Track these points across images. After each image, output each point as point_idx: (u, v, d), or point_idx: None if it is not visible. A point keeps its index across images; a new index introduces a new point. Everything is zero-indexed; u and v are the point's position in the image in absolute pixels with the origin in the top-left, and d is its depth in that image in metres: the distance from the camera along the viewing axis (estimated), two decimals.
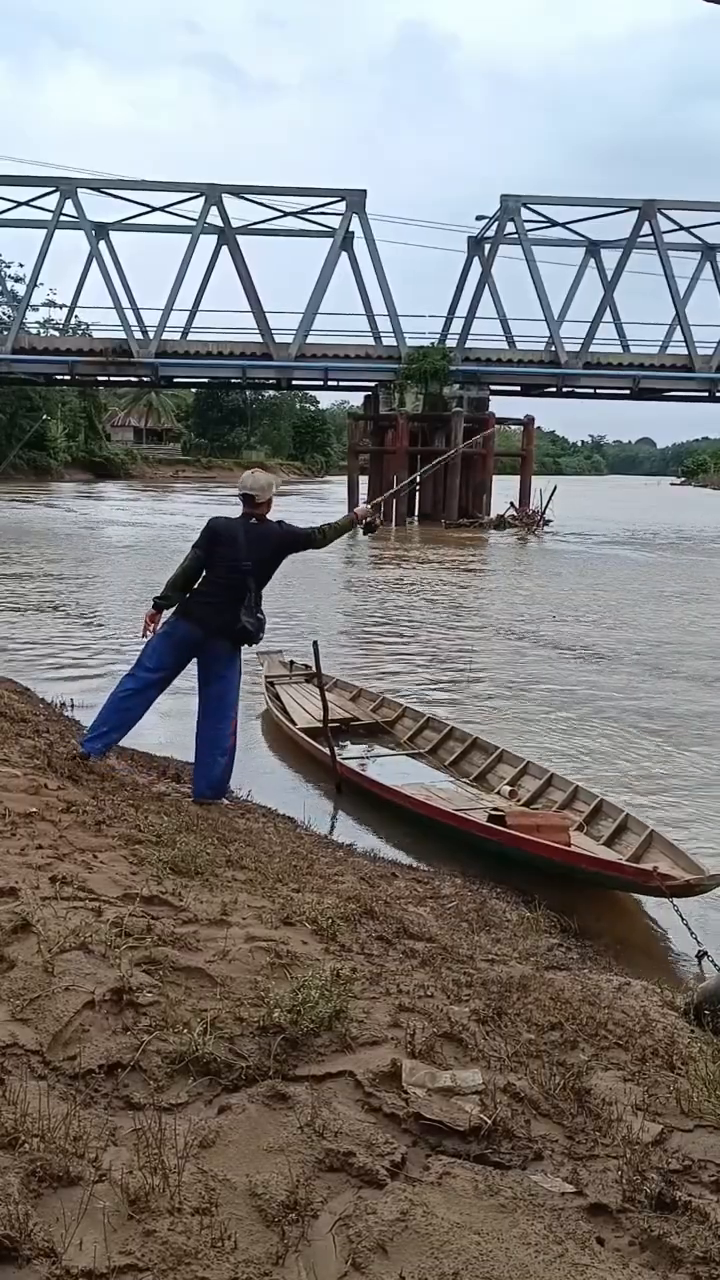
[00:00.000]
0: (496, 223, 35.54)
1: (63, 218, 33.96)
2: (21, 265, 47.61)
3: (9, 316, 41.67)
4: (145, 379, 37.86)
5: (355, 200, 34.01)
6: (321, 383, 37.90)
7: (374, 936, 3.19)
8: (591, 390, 38.18)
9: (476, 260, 37.95)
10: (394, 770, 6.68)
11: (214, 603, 5.09)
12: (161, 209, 34.73)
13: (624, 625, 14.25)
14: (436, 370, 35.18)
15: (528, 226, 35.08)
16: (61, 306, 47.36)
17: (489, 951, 3.38)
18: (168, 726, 6.82)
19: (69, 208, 33.81)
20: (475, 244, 38.27)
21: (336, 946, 2.98)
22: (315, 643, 6.49)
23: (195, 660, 5.21)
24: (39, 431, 51.34)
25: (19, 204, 34.79)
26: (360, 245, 34.42)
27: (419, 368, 35.15)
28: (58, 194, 33.73)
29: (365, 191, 33.92)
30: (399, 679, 10.12)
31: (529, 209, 35.09)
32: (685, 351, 35.87)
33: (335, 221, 34.58)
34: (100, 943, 2.56)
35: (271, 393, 69.04)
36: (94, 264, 34.84)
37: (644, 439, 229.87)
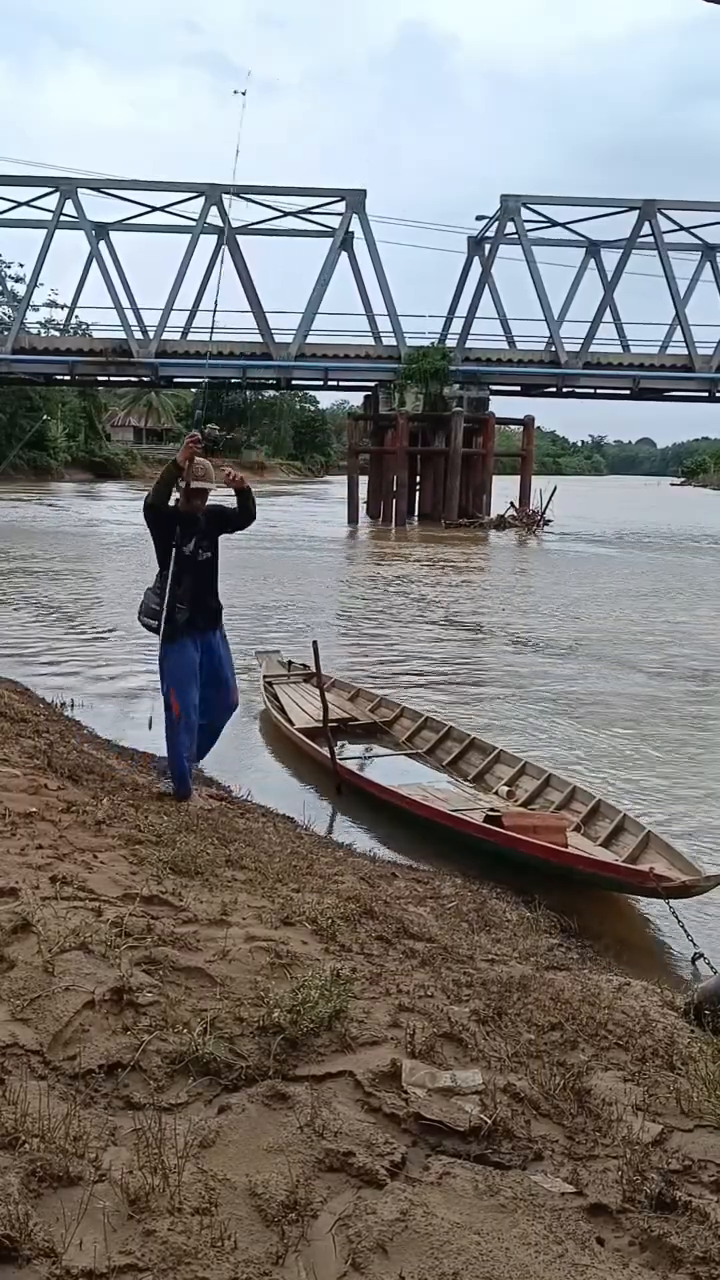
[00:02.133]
0: (496, 223, 35.49)
1: (63, 218, 33.92)
2: (21, 265, 47.62)
3: (9, 316, 41.64)
4: (145, 379, 37.84)
5: (355, 200, 34.01)
6: (321, 383, 37.90)
7: (374, 936, 3.19)
8: (591, 390, 38.13)
9: (476, 260, 37.91)
10: (392, 770, 6.68)
11: None
12: (161, 209, 34.70)
13: (618, 624, 14.26)
14: (436, 370, 35.15)
15: (528, 226, 35.04)
16: (62, 306, 47.31)
17: (489, 951, 3.38)
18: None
19: (69, 208, 33.77)
20: (475, 244, 38.23)
21: (336, 946, 2.98)
22: (315, 643, 6.49)
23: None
24: (39, 431, 51.31)
25: (19, 204, 34.74)
26: (360, 245, 34.44)
27: (419, 368, 35.11)
28: (58, 194, 33.70)
29: (365, 191, 33.93)
30: (395, 676, 10.11)
31: (529, 209, 35.05)
32: (685, 351, 35.84)
33: (335, 221, 34.59)
34: (100, 943, 2.56)
35: (271, 393, 68.94)
36: (94, 264, 34.81)
37: (644, 439, 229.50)
